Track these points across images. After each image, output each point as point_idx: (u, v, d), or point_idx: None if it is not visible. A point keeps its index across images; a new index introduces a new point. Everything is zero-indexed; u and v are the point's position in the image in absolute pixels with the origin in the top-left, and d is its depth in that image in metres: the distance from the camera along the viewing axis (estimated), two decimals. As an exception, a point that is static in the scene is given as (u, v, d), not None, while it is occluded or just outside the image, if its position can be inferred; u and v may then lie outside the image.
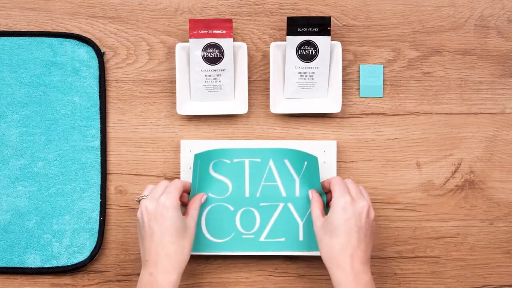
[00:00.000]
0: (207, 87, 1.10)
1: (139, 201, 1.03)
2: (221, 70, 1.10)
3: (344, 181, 1.04)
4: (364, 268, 0.98)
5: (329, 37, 1.09)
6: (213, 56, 1.09)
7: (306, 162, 1.10)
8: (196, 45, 1.08)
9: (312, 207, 1.05)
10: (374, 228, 1.03)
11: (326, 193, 1.08)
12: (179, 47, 1.10)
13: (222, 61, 1.09)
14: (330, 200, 1.06)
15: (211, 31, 1.08)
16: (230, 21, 1.08)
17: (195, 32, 1.08)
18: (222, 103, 1.12)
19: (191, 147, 1.11)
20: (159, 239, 0.99)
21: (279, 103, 1.12)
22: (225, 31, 1.08)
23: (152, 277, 0.98)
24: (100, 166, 1.12)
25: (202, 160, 1.09)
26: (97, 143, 1.11)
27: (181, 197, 1.04)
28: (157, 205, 1.00)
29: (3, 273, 1.12)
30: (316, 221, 1.03)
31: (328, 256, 1.00)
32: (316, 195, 1.07)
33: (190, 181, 1.10)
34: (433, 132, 1.13)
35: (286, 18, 1.10)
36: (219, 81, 1.10)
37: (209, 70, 1.10)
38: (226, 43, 1.09)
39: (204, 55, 1.09)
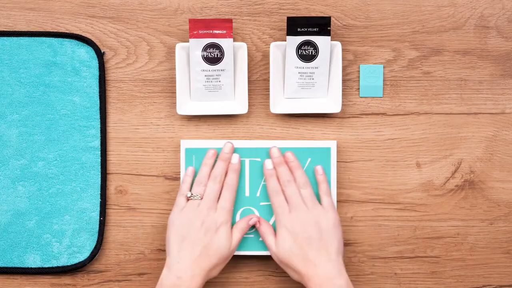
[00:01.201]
0: (207, 87, 1.10)
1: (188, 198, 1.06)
2: (221, 70, 1.10)
3: (278, 186, 1.07)
4: (334, 273, 1.01)
5: (329, 37, 1.09)
6: (213, 56, 1.09)
7: (309, 159, 1.10)
8: (196, 45, 1.08)
9: (267, 238, 1.07)
10: (335, 227, 1.05)
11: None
12: (179, 47, 1.10)
13: (222, 61, 1.09)
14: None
15: (211, 31, 1.08)
16: (230, 21, 1.08)
17: (195, 32, 1.08)
18: (222, 103, 1.12)
19: (191, 147, 1.11)
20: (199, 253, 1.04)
21: (279, 103, 1.12)
22: (225, 31, 1.08)
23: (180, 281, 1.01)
24: (100, 166, 1.12)
25: (199, 158, 1.10)
26: (97, 143, 1.11)
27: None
28: (213, 220, 1.04)
29: (3, 273, 1.12)
30: (271, 250, 1.06)
31: (296, 278, 1.05)
32: (265, 225, 1.08)
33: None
34: (433, 132, 1.13)
35: (286, 18, 1.10)
36: (219, 81, 1.10)
37: (209, 70, 1.10)
38: (226, 43, 1.09)
39: (204, 55, 1.09)
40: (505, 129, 1.13)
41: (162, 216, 1.13)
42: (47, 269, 1.11)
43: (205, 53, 1.09)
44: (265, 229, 1.07)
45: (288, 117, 1.13)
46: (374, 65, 1.12)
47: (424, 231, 1.13)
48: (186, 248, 1.03)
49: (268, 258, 1.13)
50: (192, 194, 1.06)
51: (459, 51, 1.12)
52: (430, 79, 1.13)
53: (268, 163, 1.08)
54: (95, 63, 1.11)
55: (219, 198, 1.06)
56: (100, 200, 1.11)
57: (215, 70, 1.09)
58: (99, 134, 1.11)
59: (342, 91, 1.12)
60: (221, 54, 1.09)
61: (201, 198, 1.05)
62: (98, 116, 1.11)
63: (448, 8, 1.12)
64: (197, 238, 1.03)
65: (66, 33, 1.11)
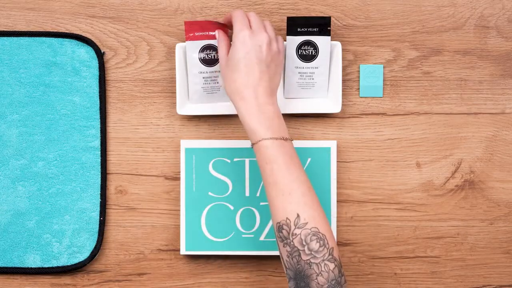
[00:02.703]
0: (205, 89, 1.10)
1: None
2: (219, 71, 1.09)
3: (245, 15, 1.02)
4: (268, 100, 0.98)
5: (329, 37, 1.09)
6: (210, 58, 1.09)
7: (309, 159, 1.10)
8: (193, 47, 1.08)
9: (219, 47, 1.04)
10: (280, 60, 1.02)
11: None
12: (179, 47, 1.10)
13: (219, 63, 1.09)
14: None
15: (207, 33, 1.08)
16: (224, 25, 1.07)
17: (191, 35, 1.08)
18: (222, 103, 1.12)
19: (191, 147, 1.11)
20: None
21: (279, 103, 1.11)
22: None
23: None
24: (100, 166, 1.12)
25: (200, 158, 1.10)
26: (97, 143, 1.11)
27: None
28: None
29: (3, 273, 1.12)
30: (222, 61, 1.02)
31: (231, 90, 0.99)
32: (223, 35, 1.05)
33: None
34: (433, 132, 1.13)
35: (286, 18, 1.10)
36: (217, 83, 1.10)
37: (206, 72, 1.09)
38: None
39: (201, 57, 1.08)
40: (505, 129, 1.13)
41: (162, 216, 1.13)
42: (47, 269, 1.11)
43: (202, 54, 1.08)
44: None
45: (288, 117, 1.13)
46: (374, 65, 1.12)
47: (424, 231, 1.13)
48: None
49: (268, 258, 1.13)
50: None
51: (459, 51, 1.12)
52: (430, 79, 1.13)
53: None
54: (95, 63, 1.11)
55: None
56: (100, 200, 1.12)
57: (212, 72, 1.09)
58: (99, 134, 1.11)
59: (342, 91, 1.12)
60: (218, 56, 1.09)
61: None
62: (98, 116, 1.12)
63: (448, 8, 1.12)
64: None
65: (66, 33, 1.11)
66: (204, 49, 1.08)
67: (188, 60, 1.09)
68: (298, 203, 0.94)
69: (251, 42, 0.99)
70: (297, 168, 0.95)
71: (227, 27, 1.07)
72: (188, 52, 1.08)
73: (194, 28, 1.07)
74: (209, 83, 1.09)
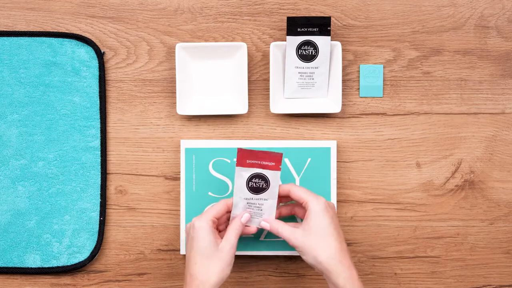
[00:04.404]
0: (252, 215, 1.04)
1: None
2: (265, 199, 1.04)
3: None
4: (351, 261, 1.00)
5: (329, 37, 1.09)
6: (258, 186, 1.03)
7: (309, 159, 1.10)
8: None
9: (282, 229, 1.02)
10: None
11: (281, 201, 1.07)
12: (179, 47, 1.10)
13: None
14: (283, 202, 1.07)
15: (259, 162, 1.03)
16: None
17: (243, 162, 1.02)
18: (222, 103, 1.12)
19: (191, 147, 1.11)
20: (187, 258, 1.01)
21: (279, 103, 1.12)
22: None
23: None
24: (100, 166, 1.12)
25: (199, 158, 1.10)
26: (97, 143, 1.11)
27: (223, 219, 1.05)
28: (191, 225, 1.02)
29: (3, 273, 1.12)
30: (294, 234, 1.00)
31: (327, 256, 0.98)
32: (273, 220, 1.03)
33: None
34: (433, 132, 1.13)
35: (286, 18, 1.10)
36: (261, 209, 1.04)
37: (252, 198, 1.04)
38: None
39: (250, 185, 1.03)
40: (505, 129, 1.13)
41: (162, 216, 1.13)
42: (47, 269, 1.11)
43: (251, 183, 1.03)
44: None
45: (288, 117, 1.13)
46: (374, 65, 1.12)
47: (424, 231, 1.13)
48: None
49: (268, 258, 1.13)
50: None
51: (459, 51, 1.13)
52: (430, 79, 1.13)
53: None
54: (95, 63, 1.11)
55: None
56: (100, 200, 1.12)
57: (258, 199, 1.04)
58: (99, 134, 1.11)
59: (342, 91, 1.12)
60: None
61: None
62: (98, 116, 1.12)
63: (448, 8, 1.12)
64: (185, 247, 1.04)
65: (66, 33, 1.11)
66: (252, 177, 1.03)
67: (187, 64, 1.08)
68: None
69: (331, 208, 1.01)
70: None
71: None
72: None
73: (246, 157, 1.02)
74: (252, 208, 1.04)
